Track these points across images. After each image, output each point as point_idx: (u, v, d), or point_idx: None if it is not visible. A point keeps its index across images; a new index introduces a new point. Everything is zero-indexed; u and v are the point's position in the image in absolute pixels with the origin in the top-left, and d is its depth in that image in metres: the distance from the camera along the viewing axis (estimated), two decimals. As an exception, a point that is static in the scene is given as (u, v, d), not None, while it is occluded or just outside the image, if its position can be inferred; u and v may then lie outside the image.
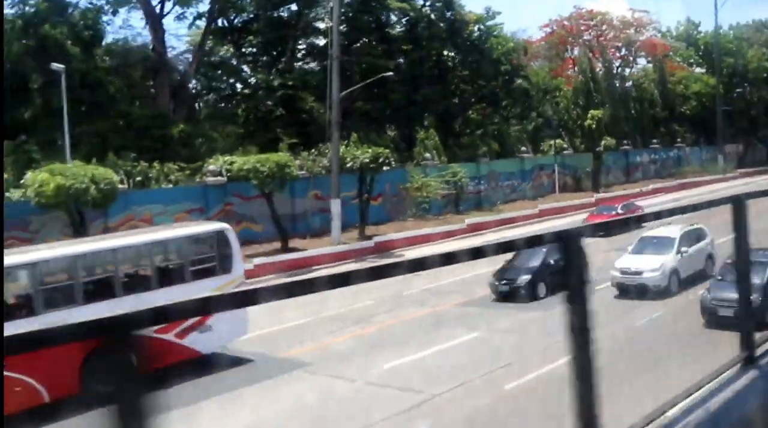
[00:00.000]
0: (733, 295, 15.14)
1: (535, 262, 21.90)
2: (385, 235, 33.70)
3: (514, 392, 14.01)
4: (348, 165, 32.53)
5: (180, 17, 36.34)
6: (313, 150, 34.82)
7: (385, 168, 32.37)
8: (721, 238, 21.11)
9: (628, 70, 63.37)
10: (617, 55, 61.40)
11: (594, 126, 47.30)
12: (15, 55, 29.00)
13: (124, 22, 46.80)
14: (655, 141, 57.57)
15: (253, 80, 39.35)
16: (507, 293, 21.92)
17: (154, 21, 34.90)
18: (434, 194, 37.95)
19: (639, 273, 21.26)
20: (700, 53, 65.96)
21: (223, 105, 40.53)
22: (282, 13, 40.59)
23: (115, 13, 33.59)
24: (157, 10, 34.93)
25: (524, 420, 12.53)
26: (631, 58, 61.92)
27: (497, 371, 15.12)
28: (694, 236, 22.75)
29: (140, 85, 34.25)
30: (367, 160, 32.46)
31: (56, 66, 26.57)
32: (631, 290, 21.09)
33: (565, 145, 49.02)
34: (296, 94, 38.55)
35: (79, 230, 25.10)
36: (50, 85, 30.26)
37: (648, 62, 64.10)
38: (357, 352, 17.84)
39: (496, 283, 22.11)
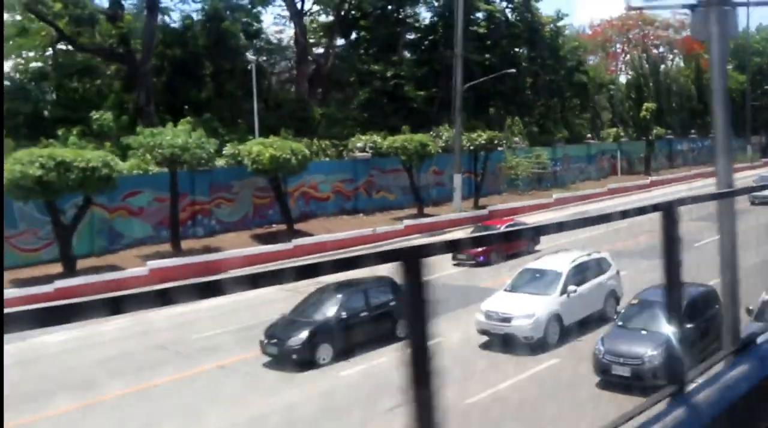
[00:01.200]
0: (635, 349, 12.85)
1: (324, 313, 16.53)
2: (493, 206, 39.27)
3: None
4: (465, 145, 38.03)
5: (308, 14, 41.57)
6: (431, 132, 40.15)
7: (499, 148, 37.95)
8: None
9: (662, 67, 68.92)
10: (655, 52, 66.89)
11: (648, 117, 52.93)
12: (202, 47, 34.15)
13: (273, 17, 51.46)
14: (692, 131, 63.34)
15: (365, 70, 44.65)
16: (276, 356, 15.87)
17: (297, 17, 40.06)
18: (524, 173, 43.50)
19: (507, 319, 16.25)
20: (731, 51, 71.52)
21: (342, 93, 45.76)
22: (389, 10, 45.79)
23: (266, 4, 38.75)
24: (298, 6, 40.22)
25: None
26: (669, 56, 67.57)
27: None
28: (591, 268, 18.02)
29: (285, 72, 39.56)
30: (483, 142, 38.01)
31: (250, 57, 31.88)
32: (495, 341, 16.25)
33: (622, 134, 54.65)
34: (404, 84, 43.92)
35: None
36: (222, 72, 35.50)
37: (679, 59, 69.63)
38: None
39: (265, 341, 16.08)
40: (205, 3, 35.82)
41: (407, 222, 33.57)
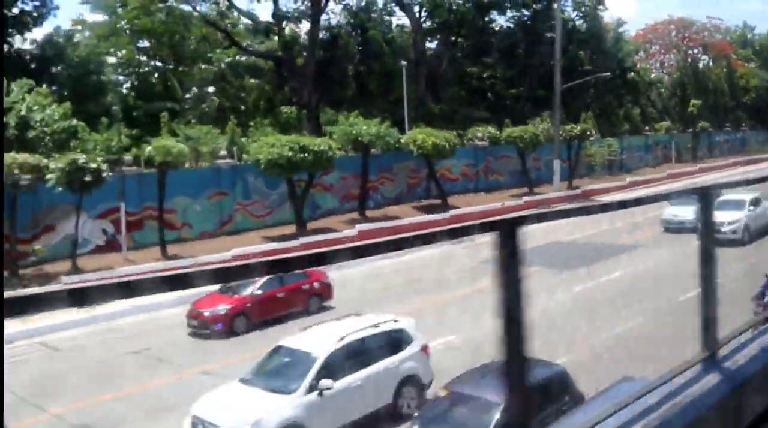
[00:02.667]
0: None
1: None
2: (584, 187, 45.76)
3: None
4: (561, 136, 44.52)
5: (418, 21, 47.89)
6: (530, 125, 46.60)
7: (591, 138, 44.50)
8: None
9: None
10: (690, 53, 73.44)
11: (695, 112, 59.60)
12: (351, 53, 40.50)
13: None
14: (727, 125, 70.09)
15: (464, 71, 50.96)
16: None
17: (417, 25, 46.33)
18: (600, 160, 50.04)
19: None
20: (756, 52, 78.38)
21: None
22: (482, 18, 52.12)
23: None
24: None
25: None
26: (702, 57, 74.09)
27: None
28: (370, 348, 13.10)
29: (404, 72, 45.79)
30: (578, 133, 44.56)
31: (403, 63, 38.24)
32: None
33: (672, 127, 61.26)
34: (496, 83, 50.33)
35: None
36: (367, 73, 41.88)
37: (708, 59, 76.17)
38: None
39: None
40: (349, 16, 42.11)
41: (525, 198, 40.10)
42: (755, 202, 26.97)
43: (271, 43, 42.65)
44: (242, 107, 39.47)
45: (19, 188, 22.96)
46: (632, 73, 60.52)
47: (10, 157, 23.00)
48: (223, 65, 41.24)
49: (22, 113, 27.43)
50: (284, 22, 40.95)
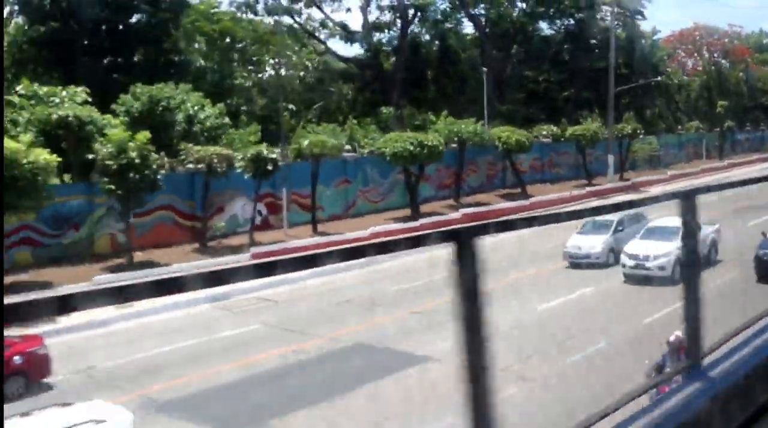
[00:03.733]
0: None
1: None
2: (634, 179, 50.64)
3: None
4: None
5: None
6: (583, 124, 51.49)
7: (641, 136, 49.44)
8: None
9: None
10: (711, 58, 78.45)
11: (722, 112, 64.62)
12: (431, 59, 45.35)
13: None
14: (747, 125, 75.19)
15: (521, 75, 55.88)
16: None
17: (483, 33, 51.08)
18: (643, 155, 54.98)
19: None
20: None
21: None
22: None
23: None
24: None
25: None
26: (722, 61, 79.10)
27: None
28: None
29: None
30: (629, 132, 49.50)
31: (485, 70, 43.10)
32: None
33: (701, 126, 66.29)
34: (550, 87, 55.30)
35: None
36: (445, 77, 46.83)
37: (729, 63, 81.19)
38: None
39: None
40: (431, 27, 47.05)
41: (588, 188, 45.00)
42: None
43: (353, 49, 47.53)
44: (339, 107, 44.25)
45: (214, 174, 27.77)
46: (663, 77, 65.38)
47: (208, 149, 27.85)
48: (317, 71, 46.09)
49: (190, 112, 32.21)
50: (372, 32, 45.73)
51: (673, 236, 19.98)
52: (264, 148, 28.71)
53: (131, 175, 24.55)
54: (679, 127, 63.80)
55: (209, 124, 32.91)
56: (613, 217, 24.56)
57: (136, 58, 38.51)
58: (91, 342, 18.01)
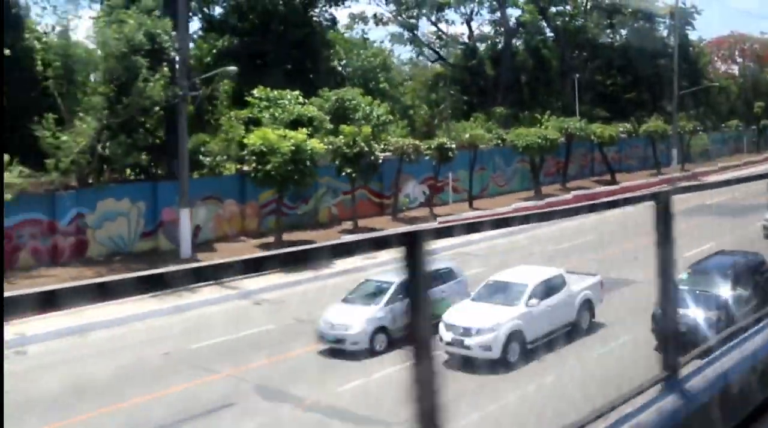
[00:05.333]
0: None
1: None
2: (692, 171, 58.32)
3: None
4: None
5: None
6: (647, 121, 59.12)
7: (701, 133, 57.15)
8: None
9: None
10: (744, 63, 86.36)
11: (760, 112, 72.47)
12: (527, 65, 53.00)
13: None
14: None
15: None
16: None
17: (564, 42, 58.71)
18: (696, 149, 62.72)
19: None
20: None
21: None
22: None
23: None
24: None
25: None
26: (752, 65, 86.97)
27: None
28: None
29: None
30: (690, 129, 57.22)
31: (577, 76, 50.74)
32: None
33: (740, 124, 74.04)
34: (615, 89, 63.00)
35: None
36: (535, 80, 54.48)
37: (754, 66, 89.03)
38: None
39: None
40: (528, 37, 54.70)
41: (660, 177, 52.71)
42: (548, 288, 17.14)
43: (453, 55, 55.20)
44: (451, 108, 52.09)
45: (409, 160, 35.39)
46: (706, 81, 73.13)
47: (404, 140, 35.47)
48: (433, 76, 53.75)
49: (366, 110, 39.78)
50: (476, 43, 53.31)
51: (516, 298, 16.37)
52: (445, 139, 36.35)
53: (361, 160, 32.16)
54: (722, 125, 71.55)
55: (380, 120, 40.44)
56: (395, 279, 15.63)
57: (291, 66, 46.01)
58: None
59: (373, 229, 33.00)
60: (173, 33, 27.71)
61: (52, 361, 17.25)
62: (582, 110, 58.11)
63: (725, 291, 16.67)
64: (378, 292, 17.47)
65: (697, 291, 16.18)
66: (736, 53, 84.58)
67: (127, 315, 19.91)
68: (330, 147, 32.35)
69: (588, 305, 18.01)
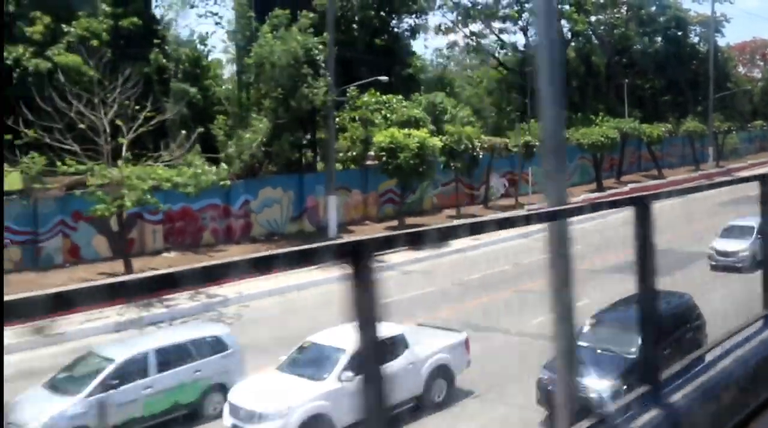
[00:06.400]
0: None
1: None
2: (726, 167, 63.34)
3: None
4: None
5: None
6: (683, 122, 64.10)
7: (733, 132, 62.32)
8: None
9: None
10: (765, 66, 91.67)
11: (784, 111, 77.92)
12: (581, 70, 58.18)
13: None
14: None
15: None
16: None
17: (611, 50, 63.87)
18: (728, 147, 67.84)
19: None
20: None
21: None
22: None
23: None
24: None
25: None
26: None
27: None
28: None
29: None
30: (725, 129, 62.34)
31: (626, 81, 55.78)
32: None
33: (764, 124, 79.19)
34: (653, 92, 68.10)
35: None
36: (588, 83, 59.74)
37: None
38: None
39: None
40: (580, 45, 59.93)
41: (700, 172, 57.78)
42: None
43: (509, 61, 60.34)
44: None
45: (500, 156, 40.42)
46: (733, 84, 78.22)
47: (493, 139, 40.48)
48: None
49: (452, 112, 44.79)
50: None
51: (326, 370, 13.15)
52: (528, 137, 41.41)
53: (464, 155, 37.20)
54: (748, 125, 76.70)
55: (463, 121, 45.41)
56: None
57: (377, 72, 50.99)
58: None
59: (472, 215, 38.02)
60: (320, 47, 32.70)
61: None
62: (621, 111, 63.23)
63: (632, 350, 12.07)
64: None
65: (599, 351, 13.17)
66: (757, 57, 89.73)
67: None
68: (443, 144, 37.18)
69: (443, 372, 14.58)
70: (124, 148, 24.60)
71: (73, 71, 29.11)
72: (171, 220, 29.53)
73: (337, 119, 40.35)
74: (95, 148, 24.35)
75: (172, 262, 27.54)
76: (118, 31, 32.83)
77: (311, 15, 32.72)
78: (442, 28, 58.83)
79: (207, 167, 25.58)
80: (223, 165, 26.37)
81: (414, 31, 50.62)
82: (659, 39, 69.56)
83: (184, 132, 25.70)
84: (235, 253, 29.59)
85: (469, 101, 53.23)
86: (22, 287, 16.77)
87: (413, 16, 50.25)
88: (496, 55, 60.89)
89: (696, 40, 74.84)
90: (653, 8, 68.38)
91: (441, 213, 39.55)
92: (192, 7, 37.47)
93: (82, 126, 24.03)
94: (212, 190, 30.17)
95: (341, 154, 36.23)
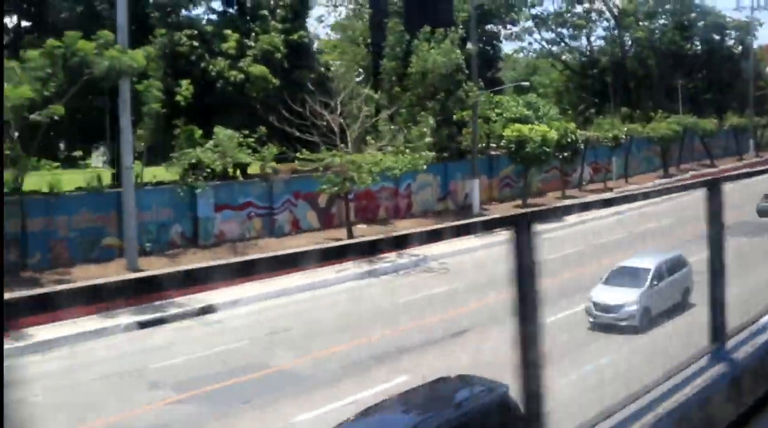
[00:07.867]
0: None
1: None
2: (765, 157, 70.44)
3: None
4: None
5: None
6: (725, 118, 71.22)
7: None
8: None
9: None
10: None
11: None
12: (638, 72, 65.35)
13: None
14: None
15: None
16: None
17: (657, 52, 71.09)
18: (765, 140, 75.11)
19: None
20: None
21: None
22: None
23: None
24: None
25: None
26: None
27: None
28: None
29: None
30: (764, 124, 69.55)
31: (680, 82, 62.95)
32: None
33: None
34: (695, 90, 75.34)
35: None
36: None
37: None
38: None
39: None
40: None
41: (744, 161, 64.93)
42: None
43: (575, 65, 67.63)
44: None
45: (592, 147, 47.51)
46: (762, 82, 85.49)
47: (586, 134, 47.64)
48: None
49: (545, 111, 51.84)
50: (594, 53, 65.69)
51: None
52: (618, 132, 48.60)
53: (569, 146, 44.29)
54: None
55: (552, 117, 52.38)
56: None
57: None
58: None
59: (573, 197, 45.12)
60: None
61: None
62: (670, 108, 70.51)
63: None
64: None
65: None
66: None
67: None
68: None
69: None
70: (349, 141, 31.64)
71: (260, 79, 36.08)
72: (358, 199, 36.51)
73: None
74: (327, 141, 31.38)
75: (365, 232, 34.61)
76: (289, 44, 39.65)
77: (460, 30, 39.74)
78: (513, 35, 66.17)
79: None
80: (427, 151, 33.20)
81: (497, 38, 57.82)
82: (699, 42, 76.80)
83: (393, 127, 32.67)
84: (406, 226, 36.71)
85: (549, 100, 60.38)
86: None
87: (501, 25, 57.49)
88: (564, 58, 68.05)
89: (731, 42, 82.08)
90: (693, 14, 75.66)
91: (546, 195, 46.62)
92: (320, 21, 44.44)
93: (322, 123, 30.99)
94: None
95: (465, 145, 43.28)
